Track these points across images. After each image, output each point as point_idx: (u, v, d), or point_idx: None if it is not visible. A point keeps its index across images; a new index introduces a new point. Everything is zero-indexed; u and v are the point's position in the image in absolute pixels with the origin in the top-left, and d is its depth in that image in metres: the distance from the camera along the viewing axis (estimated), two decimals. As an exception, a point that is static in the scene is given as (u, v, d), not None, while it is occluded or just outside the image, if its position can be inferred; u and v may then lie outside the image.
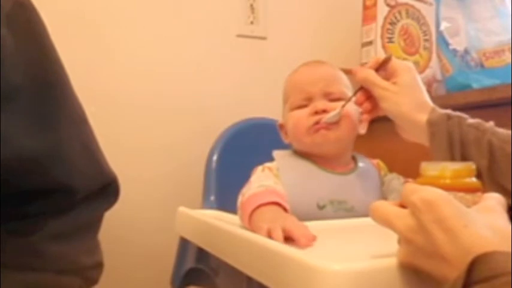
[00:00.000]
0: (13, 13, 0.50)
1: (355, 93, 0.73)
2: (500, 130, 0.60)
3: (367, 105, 0.71)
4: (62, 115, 0.54)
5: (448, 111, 0.63)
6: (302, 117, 0.76)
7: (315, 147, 0.75)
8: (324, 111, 0.74)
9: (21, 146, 0.50)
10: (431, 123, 0.62)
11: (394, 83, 0.67)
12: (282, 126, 0.82)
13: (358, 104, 0.72)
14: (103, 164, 0.59)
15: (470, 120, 0.61)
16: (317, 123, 0.74)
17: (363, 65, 1.34)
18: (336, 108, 0.74)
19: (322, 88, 0.76)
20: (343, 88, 0.78)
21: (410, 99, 0.65)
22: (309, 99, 0.76)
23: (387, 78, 0.68)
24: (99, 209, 0.58)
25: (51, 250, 0.52)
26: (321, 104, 0.75)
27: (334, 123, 0.74)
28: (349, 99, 0.73)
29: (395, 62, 0.69)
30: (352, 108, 0.75)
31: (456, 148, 0.60)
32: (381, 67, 0.69)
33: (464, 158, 0.59)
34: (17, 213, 0.52)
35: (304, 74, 0.80)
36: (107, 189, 0.58)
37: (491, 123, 0.61)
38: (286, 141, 0.82)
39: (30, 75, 0.51)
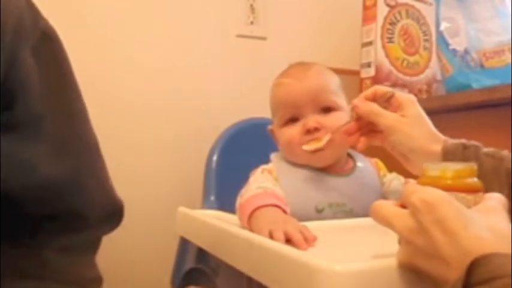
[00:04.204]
0: (40, 43, 0.52)
1: (345, 124, 0.71)
2: None
3: (355, 137, 0.70)
4: (79, 145, 0.56)
5: (463, 140, 0.62)
6: (294, 136, 0.73)
7: (311, 163, 0.74)
8: (316, 129, 0.72)
9: (42, 173, 0.51)
10: (447, 152, 0.61)
11: (403, 116, 0.65)
12: (272, 131, 0.80)
13: (348, 134, 0.70)
14: (113, 192, 0.61)
15: (486, 149, 0.60)
16: (310, 142, 0.72)
17: (363, 65, 1.34)
18: (326, 122, 0.72)
19: (310, 101, 0.73)
20: (332, 97, 0.75)
21: (423, 131, 0.64)
22: (299, 113, 0.74)
23: (392, 112, 0.67)
24: (103, 232, 0.61)
25: (58, 261, 0.54)
26: (312, 121, 0.72)
27: (328, 142, 0.72)
28: (337, 129, 0.71)
29: (399, 96, 0.67)
30: (342, 118, 0.74)
31: None
32: (386, 101, 0.67)
33: None
34: (28, 229, 0.53)
35: (289, 87, 0.75)
36: (114, 216, 0.61)
37: (506, 152, 0.60)
38: (279, 147, 0.80)
39: (52, 105, 0.53)
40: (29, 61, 0.50)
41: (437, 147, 0.62)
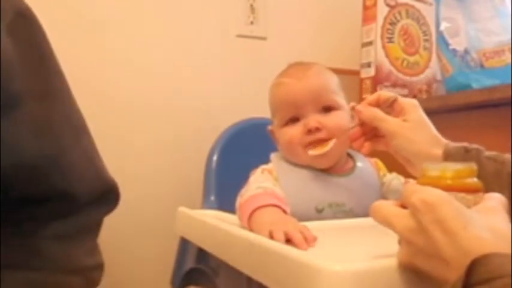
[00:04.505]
0: (15, 23, 0.51)
1: (349, 129, 0.72)
2: None
3: (359, 142, 0.72)
4: (62, 123, 0.55)
5: (465, 144, 0.62)
6: (295, 136, 0.73)
7: (312, 164, 0.74)
8: (317, 129, 0.72)
9: (23, 153, 0.50)
10: (448, 155, 0.61)
11: (405, 121, 0.66)
12: (272, 131, 0.80)
13: (352, 139, 0.72)
14: (103, 171, 0.60)
15: (488, 153, 0.60)
16: (312, 142, 0.72)
17: (363, 65, 1.34)
18: (327, 122, 0.73)
19: (310, 100, 0.73)
20: (333, 96, 0.75)
21: (425, 135, 0.64)
22: (299, 113, 0.74)
23: (395, 116, 0.68)
24: (99, 214, 0.59)
25: (52, 250, 0.53)
26: (313, 120, 0.72)
27: (327, 140, 0.72)
28: (342, 134, 0.72)
29: (402, 101, 0.68)
30: (343, 117, 0.74)
31: None
32: (389, 106, 0.68)
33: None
34: (18, 216, 0.52)
35: (289, 87, 0.75)
36: (107, 195, 0.59)
37: (508, 155, 0.60)
38: (278, 147, 0.80)
39: (31, 84, 0.52)
40: (4, 40, 0.49)
41: (439, 151, 0.62)
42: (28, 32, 0.53)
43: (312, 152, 0.72)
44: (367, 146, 0.71)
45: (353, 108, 0.79)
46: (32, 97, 0.51)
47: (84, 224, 0.57)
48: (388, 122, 0.66)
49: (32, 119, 0.51)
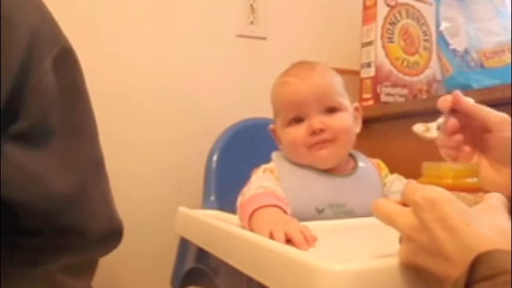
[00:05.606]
0: (60, 58, 0.53)
1: (445, 122, 0.58)
2: None
3: (459, 137, 0.58)
4: (87, 161, 0.57)
5: None
6: (299, 137, 0.73)
7: (314, 164, 0.74)
8: (321, 130, 0.72)
9: (47, 185, 0.51)
10: None
11: None
12: (274, 131, 0.80)
13: (449, 133, 0.58)
14: (114, 211, 0.62)
15: None
16: (316, 143, 0.72)
17: (363, 65, 1.34)
18: (331, 123, 0.72)
19: (315, 101, 0.73)
20: (337, 97, 0.75)
21: None
22: (303, 113, 0.74)
23: None
24: (103, 252, 0.61)
25: (65, 281, 0.54)
26: (317, 122, 0.72)
27: (331, 141, 0.72)
28: (441, 124, 0.58)
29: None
30: (347, 118, 0.74)
31: None
32: None
33: None
34: (29, 245, 0.53)
35: (293, 86, 0.75)
36: (114, 235, 0.61)
37: None
38: (280, 146, 0.80)
39: (66, 120, 0.54)
40: (49, 74, 0.51)
41: None
42: (70, 69, 0.56)
43: (418, 130, 0.59)
44: (471, 151, 0.57)
45: (357, 109, 0.79)
46: (65, 132, 0.53)
47: (89, 260, 0.59)
48: (494, 112, 0.56)
49: (61, 153, 0.53)
